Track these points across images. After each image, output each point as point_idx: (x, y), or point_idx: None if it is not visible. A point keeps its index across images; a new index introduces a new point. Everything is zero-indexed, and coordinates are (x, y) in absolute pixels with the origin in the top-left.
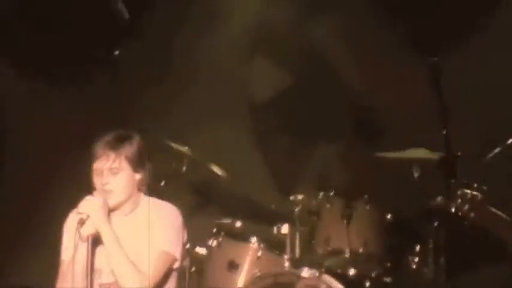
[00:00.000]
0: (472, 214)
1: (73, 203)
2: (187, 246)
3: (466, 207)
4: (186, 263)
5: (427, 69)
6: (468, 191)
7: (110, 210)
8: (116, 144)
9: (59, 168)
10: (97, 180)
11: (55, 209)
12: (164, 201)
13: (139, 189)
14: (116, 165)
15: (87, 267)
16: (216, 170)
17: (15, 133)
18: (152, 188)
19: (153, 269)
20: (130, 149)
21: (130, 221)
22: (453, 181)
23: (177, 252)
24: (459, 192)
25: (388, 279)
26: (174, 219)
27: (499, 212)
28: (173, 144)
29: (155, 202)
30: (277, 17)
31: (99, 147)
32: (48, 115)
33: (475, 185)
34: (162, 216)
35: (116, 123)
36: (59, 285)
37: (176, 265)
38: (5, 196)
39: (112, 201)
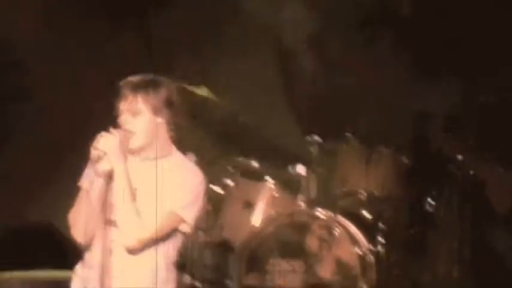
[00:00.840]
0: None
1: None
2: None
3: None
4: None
5: None
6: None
7: (130, 151)
8: (136, 87)
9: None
10: (120, 120)
11: (81, 146)
12: (193, 164)
13: (172, 140)
14: (132, 106)
15: (102, 203)
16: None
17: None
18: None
19: (156, 225)
20: (154, 94)
21: (151, 168)
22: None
23: (188, 217)
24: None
25: (402, 222)
26: (196, 185)
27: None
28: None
29: (183, 161)
30: None
31: (123, 88)
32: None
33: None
34: (185, 178)
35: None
36: (73, 212)
37: (184, 228)
38: (29, 133)
39: (132, 142)
